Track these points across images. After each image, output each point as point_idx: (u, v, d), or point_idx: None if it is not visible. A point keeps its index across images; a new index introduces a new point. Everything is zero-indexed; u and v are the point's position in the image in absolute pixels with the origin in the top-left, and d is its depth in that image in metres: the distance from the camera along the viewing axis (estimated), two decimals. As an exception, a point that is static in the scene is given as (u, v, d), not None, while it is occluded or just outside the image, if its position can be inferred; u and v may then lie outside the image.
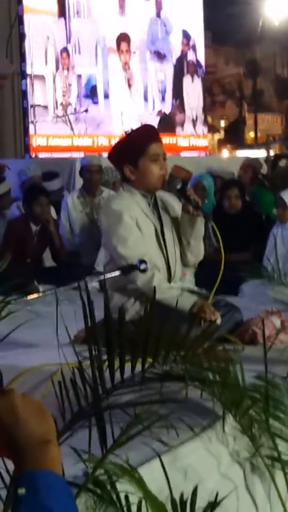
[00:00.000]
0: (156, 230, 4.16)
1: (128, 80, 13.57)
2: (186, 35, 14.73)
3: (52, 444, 1.22)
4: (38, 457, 1.20)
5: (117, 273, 3.79)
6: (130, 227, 4.06)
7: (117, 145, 4.40)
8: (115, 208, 4.11)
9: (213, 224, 4.19)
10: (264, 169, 11.85)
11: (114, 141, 11.93)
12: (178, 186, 4.27)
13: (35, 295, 3.87)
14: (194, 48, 14.85)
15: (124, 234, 4.04)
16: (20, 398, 1.26)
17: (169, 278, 4.17)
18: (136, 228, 4.08)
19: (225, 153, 25.01)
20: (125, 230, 4.05)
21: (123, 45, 13.46)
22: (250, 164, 9.99)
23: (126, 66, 13.57)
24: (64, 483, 1.20)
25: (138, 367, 2.10)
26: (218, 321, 3.93)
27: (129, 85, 13.59)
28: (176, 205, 4.28)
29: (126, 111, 13.30)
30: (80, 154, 11.41)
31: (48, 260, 7.33)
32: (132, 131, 4.83)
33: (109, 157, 4.36)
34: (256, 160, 10.79)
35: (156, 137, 4.23)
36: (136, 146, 4.13)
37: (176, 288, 4.12)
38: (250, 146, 27.33)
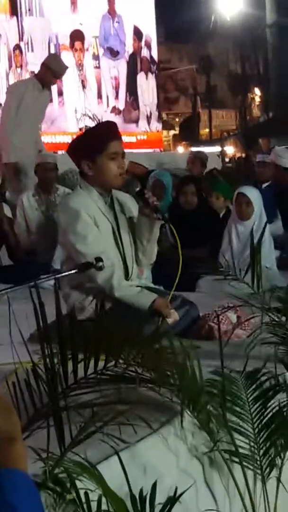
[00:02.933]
0: (113, 229, 4.16)
1: (82, 77, 13.55)
2: (138, 32, 14.76)
3: (17, 441, 1.22)
4: (3, 455, 1.20)
5: (73, 271, 3.80)
6: (88, 224, 4.06)
7: (77, 139, 4.40)
8: (73, 206, 4.11)
9: (171, 226, 4.19)
10: (219, 164, 11.93)
11: (69, 139, 11.89)
12: (137, 189, 4.28)
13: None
14: (147, 44, 14.88)
15: (83, 232, 4.04)
16: None
17: (126, 276, 4.18)
18: (94, 225, 4.08)
19: (180, 149, 25.06)
20: (83, 228, 4.05)
21: (77, 44, 13.44)
22: (197, 157, 10.14)
23: (80, 64, 13.55)
24: (29, 481, 1.20)
25: (97, 365, 2.11)
26: (173, 319, 3.95)
27: (83, 82, 13.57)
28: (132, 206, 4.28)
29: (80, 108, 13.28)
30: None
31: (4, 259, 7.30)
32: (93, 126, 4.83)
33: (68, 151, 4.34)
34: (201, 152, 10.91)
35: (117, 135, 4.21)
36: (95, 142, 4.12)
37: (136, 285, 4.13)
38: (205, 142, 27.43)
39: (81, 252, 4.00)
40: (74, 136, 5.39)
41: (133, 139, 14.24)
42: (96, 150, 4.10)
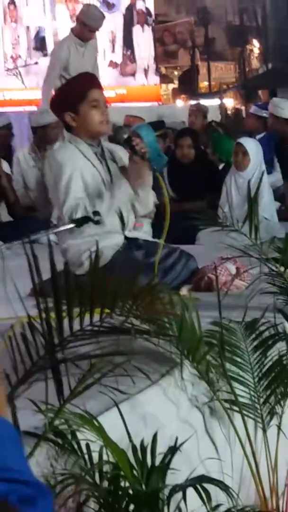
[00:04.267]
0: (103, 179, 4.13)
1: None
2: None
3: None
4: None
5: (71, 225, 3.79)
6: (72, 177, 4.04)
7: (57, 92, 4.42)
8: (58, 159, 4.10)
9: (157, 175, 4.17)
10: (218, 117, 11.85)
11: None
12: (125, 136, 4.26)
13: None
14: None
15: (66, 184, 4.02)
16: None
17: (122, 226, 4.17)
18: (79, 177, 4.05)
19: (179, 103, 24.89)
20: (67, 181, 4.02)
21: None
22: (199, 109, 10.03)
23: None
24: (10, 426, 1.19)
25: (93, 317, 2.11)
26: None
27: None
28: (123, 155, 4.26)
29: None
30: (33, 108, 11.27)
31: (4, 215, 7.29)
32: (72, 77, 4.81)
33: (51, 106, 4.34)
34: (202, 105, 10.81)
35: (97, 84, 4.24)
36: (76, 92, 4.12)
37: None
38: (204, 95, 27.22)
39: (62, 203, 3.98)
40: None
41: (131, 92, 14.13)
42: (77, 100, 4.09)
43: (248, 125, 8.77)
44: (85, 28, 8.22)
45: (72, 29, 8.53)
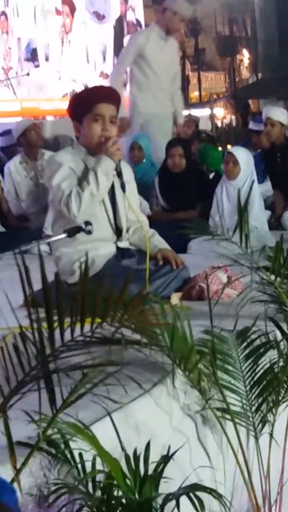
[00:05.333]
0: None
1: (69, 42, 13.46)
2: (124, -5, 14.66)
3: None
4: None
5: (63, 235, 3.81)
6: (68, 175, 4.07)
7: (71, 99, 4.51)
8: (57, 160, 4.16)
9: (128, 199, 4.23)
10: (209, 127, 11.89)
11: (56, 104, 11.84)
12: None
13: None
14: (133, 8, 14.76)
15: (60, 179, 4.06)
16: None
17: (119, 236, 4.20)
18: (73, 176, 4.08)
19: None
20: (60, 177, 4.07)
21: (65, 8, 13.33)
22: (191, 120, 10.10)
23: (66, 28, 13.46)
24: None
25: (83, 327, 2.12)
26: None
27: (70, 47, 13.49)
28: (127, 171, 4.27)
29: (68, 73, 13.20)
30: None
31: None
32: (87, 88, 4.87)
33: (67, 110, 4.40)
34: (194, 116, 10.88)
35: (106, 98, 4.17)
36: (82, 103, 4.15)
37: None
38: (194, 105, 27.28)
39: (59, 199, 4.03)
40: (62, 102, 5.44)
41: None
42: (82, 111, 4.12)
43: (257, 144, 8.71)
44: (175, 17, 7.73)
45: (157, 21, 7.98)
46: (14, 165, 7.55)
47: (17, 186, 7.51)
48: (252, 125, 8.90)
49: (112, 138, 4.09)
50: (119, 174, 4.16)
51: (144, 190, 6.29)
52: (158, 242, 4.26)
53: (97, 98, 4.14)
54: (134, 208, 4.22)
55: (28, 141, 7.49)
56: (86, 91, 4.57)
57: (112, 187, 4.18)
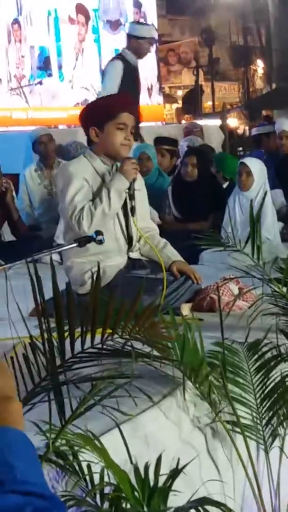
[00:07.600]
0: None
1: (82, 51, 13.47)
2: (137, 4, 14.64)
3: (12, 400, 1.21)
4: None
5: (74, 245, 3.80)
6: (81, 187, 4.07)
7: (88, 106, 4.49)
8: (70, 170, 4.15)
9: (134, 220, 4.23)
10: (222, 137, 11.88)
11: (69, 113, 11.85)
12: None
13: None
14: (146, 17, 14.77)
15: (74, 194, 4.05)
16: None
17: (130, 246, 4.19)
18: (88, 189, 4.08)
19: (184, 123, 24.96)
20: (74, 189, 4.06)
21: (80, 17, 13.34)
22: (193, 129, 10.12)
23: (80, 37, 13.47)
24: (26, 439, 1.19)
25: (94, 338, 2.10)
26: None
27: (83, 56, 13.50)
28: (138, 179, 4.26)
29: (81, 82, 13.21)
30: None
31: (7, 234, 7.29)
32: (108, 95, 4.87)
33: (80, 117, 4.37)
34: (197, 123, 10.92)
35: (130, 108, 4.23)
36: (106, 109, 4.15)
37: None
38: (208, 115, 27.27)
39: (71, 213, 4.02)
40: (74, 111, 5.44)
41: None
42: (105, 117, 4.12)
43: (269, 146, 8.76)
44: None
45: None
46: (30, 173, 7.57)
47: (30, 194, 7.53)
48: (257, 131, 9.02)
49: (132, 159, 4.15)
50: (131, 197, 4.16)
51: (153, 199, 6.28)
52: (171, 254, 4.23)
53: (122, 107, 4.17)
54: (144, 217, 4.26)
55: (47, 151, 7.52)
56: (110, 98, 4.59)
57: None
